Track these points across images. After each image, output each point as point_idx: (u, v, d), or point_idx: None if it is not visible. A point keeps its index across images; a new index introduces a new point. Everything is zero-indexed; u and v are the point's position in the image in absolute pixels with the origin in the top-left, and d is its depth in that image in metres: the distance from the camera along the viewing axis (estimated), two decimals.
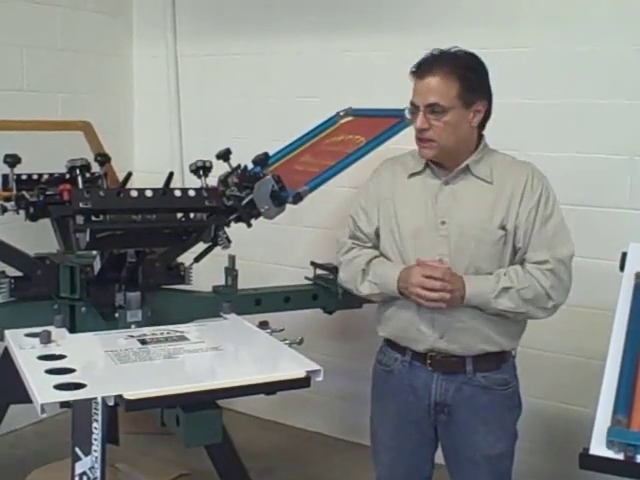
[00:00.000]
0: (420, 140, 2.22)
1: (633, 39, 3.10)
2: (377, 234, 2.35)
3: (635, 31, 3.10)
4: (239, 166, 2.89)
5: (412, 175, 2.31)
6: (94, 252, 2.54)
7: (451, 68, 2.16)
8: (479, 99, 2.21)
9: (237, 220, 2.79)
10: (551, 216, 2.23)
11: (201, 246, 2.75)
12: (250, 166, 2.90)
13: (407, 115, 2.46)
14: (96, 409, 1.87)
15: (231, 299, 2.67)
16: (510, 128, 3.20)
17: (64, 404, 1.75)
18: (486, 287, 2.17)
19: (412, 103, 2.21)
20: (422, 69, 2.18)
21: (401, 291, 2.21)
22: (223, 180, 2.89)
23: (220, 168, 2.89)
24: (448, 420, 2.27)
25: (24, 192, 2.67)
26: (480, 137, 2.29)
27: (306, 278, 3.16)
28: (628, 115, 3.13)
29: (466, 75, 2.17)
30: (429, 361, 2.25)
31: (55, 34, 4.05)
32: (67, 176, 2.83)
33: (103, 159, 2.99)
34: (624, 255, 2.13)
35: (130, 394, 1.68)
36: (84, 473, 1.93)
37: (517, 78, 3.31)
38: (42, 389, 1.70)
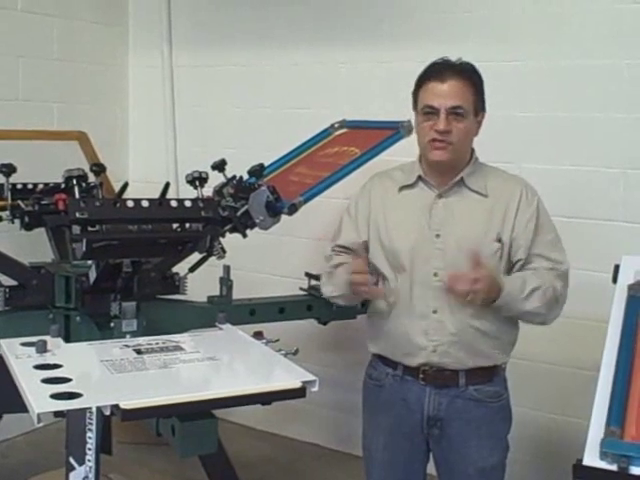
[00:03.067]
0: (436, 142, 2.19)
1: (625, 54, 3.13)
2: (365, 248, 2.35)
3: (627, 46, 3.13)
4: (234, 177, 2.90)
5: (403, 188, 2.31)
6: (89, 262, 2.54)
7: (468, 75, 2.20)
8: (482, 109, 2.25)
9: (232, 230, 2.80)
10: (548, 229, 2.26)
11: (196, 256, 2.76)
12: (245, 177, 2.91)
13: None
14: (90, 419, 1.88)
15: (226, 309, 2.66)
16: (504, 141, 3.23)
17: (58, 414, 1.75)
18: (515, 287, 2.16)
19: (430, 106, 2.18)
20: (442, 73, 2.18)
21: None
22: (218, 191, 2.90)
23: (215, 179, 2.90)
24: (441, 434, 2.27)
25: (19, 201, 2.67)
26: (471, 149, 2.31)
27: (301, 289, 3.17)
28: (621, 128, 3.16)
29: (478, 83, 2.23)
30: (422, 375, 2.25)
31: (51, 44, 4.06)
32: (63, 186, 2.84)
33: (98, 169, 2.99)
34: (617, 267, 2.14)
35: (126, 404, 1.68)
36: None
37: (511, 91, 3.33)
38: (38, 398, 1.70)
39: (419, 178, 2.29)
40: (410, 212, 2.28)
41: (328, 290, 2.39)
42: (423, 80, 2.23)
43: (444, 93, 2.16)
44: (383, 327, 2.31)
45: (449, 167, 2.24)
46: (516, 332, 2.32)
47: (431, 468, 2.40)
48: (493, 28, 3.40)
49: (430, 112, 2.18)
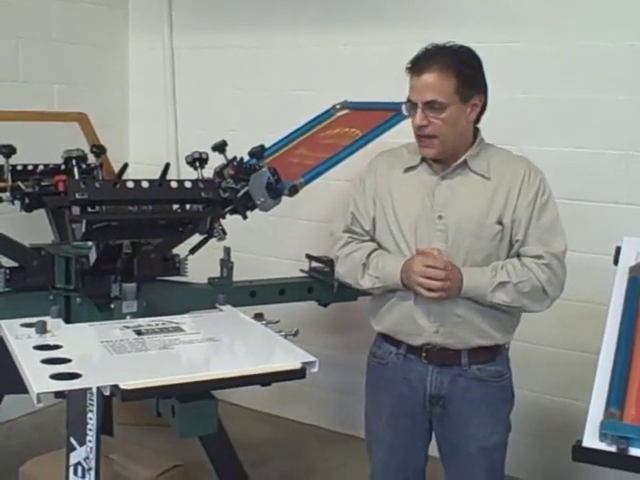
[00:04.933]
0: (420, 137, 2.20)
1: (628, 35, 3.11)
2: (374, 227, 2.35)
3: (630, 27, 3.11)
4: (235, 158, 2.88)
5: (408, 169, 2.30)
6: (89, 243, 2.53)
7: (447, 64, 2.14)
8: (476, 93, 2.20)
9: (233, 212, 2.79)
10: (547, 210, 2.24)
11: (197, 238, 2.75)
12: (246, 158, 2.90)
13: (404, 112, 2.45)
14: (91, 399, 1.88)
15: (226, 291, 2.66)
16: (507, 123, 3.22)
17: (59, 395, 1.75)
18: (483, 280, 2.17)
19: (410, 100, 2.19)
20: (418, 65, 2.16)
21: (404, 282, 2.20)
22: (219, 172, 2.89)
23: (216, 160, 2.89)
24: (443, 412, 2.28)
25: (19, 183, 2.67)
26: (476, 131, 2.29)
27: (301, 270, 3.17)
28: (624, 110, 3.14)
29: (462, 70, 2.16)
30: (424, 354, 2.26)
31: (51, 25, 4.05)
32: (62, 167, 2.83)
33: (99, 150, 2.99)
34: (618, 249, 2.14)
35: (126, 384, 1.68)
36: (79, 463, 1.94)
37: (513, 73, 3.32)
38: (38, 379, 1.70)
39: (423, 160, 2.28)
40: (414, 193, 2.27)
41: (367, 282, 2.28)
42: (408, 71, 2.22)
43: (420, 87, 2.16)
44: (386, 307, 2.32)
45: (448, 154, 2.23)
46: (519, 313, 2.32)
47: (432, 451, 2.40)
48: (495, 10, 3.37)
49: (411, 107, 2.19)
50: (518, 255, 2.24)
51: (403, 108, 2.49)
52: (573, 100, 3.25)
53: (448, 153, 2.22)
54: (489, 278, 2.18)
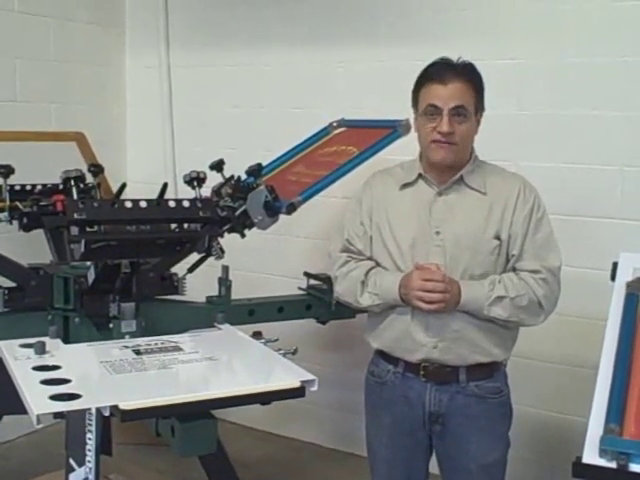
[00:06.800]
0: (440, 143, 2.20)
1: (622, 50, 3.13)
2: (370, 246, 2.36)
3: (624, 42, 3.13)
4: (232, 177, 2.90)
5: (404, 186, 2.32)
6: (88, 263, 2.54)
7: (470, 76, 2.22)
8: (481, 109, 2.27)
9: (231, 230, 2.80)
10: (542, 226, 2.27)
11: (195, 256, 2.76)
12: (243, 177, 2.91)
13: (401, 130, 2.47)
14: (90, 420, 1.88)
15: (225, 309, 2.67)
16: (502, 139, 3.24)
17: (58, 415, 1.75)
18: (481, 294, 2.18)
19: (432, 105, 2.19)
20: (444, 75, 2.19)
21: (402, 298, 2.21)
22: (217, 191, 2.90)
23: (214, 179, 2.90)
24: (443, 430, 2.28)
25: (17, 203, 2.67)
26: (471, 149, 2.32)
27: (299, 288, 3.17)
28: (618, 126, 3.16)
29: (478, 83, 2.25)
30: (422, 372, 2.26)
31: (48, 45, 4.06)
32: (61, 187, 2.84)
33: (96, 170, 2.99)
34: (615, 265, 2.14)
35: (125, 404, 1.68)
36: None
37: (508, 89, 3.33)
38: (37, 400, 1.70)
39: (419, 176, 2.30)
40: (410, 209, 2.29)
41: (366, 300, 2.29)
42: (424, 80, 2.24)
43: (446, 95, 2.18)
44: (384, 324, 2.32)
45: (450, 166, 2.25)
46: (517, 328, 2.33)
47: (433, 467, 2.40)
48: (489, 26, 3.40)
49: (433, 112, 2.19)
50: (514, 269, 2.25)
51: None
52: (568, 116, 3.26)
53: (453, 164, 2.24)
54: (487, 292, 2.19)
